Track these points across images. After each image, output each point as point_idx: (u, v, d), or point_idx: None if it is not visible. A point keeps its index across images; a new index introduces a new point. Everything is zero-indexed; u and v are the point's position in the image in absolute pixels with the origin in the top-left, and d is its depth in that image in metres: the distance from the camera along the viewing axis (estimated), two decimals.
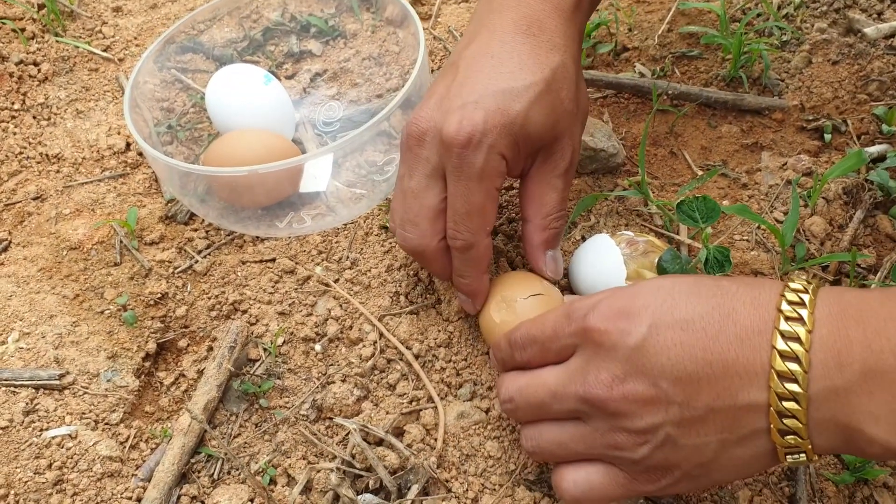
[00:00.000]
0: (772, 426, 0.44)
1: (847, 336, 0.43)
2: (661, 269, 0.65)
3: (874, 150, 0.80)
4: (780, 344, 0.43)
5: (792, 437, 0.44)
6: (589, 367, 0.48)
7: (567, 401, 0.49)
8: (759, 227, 0.74)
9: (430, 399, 0.63)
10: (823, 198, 0.75)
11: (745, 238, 0.74)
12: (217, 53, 0.93)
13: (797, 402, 0.43)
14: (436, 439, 0.60)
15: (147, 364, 0.69)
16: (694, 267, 0.66)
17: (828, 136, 0.82)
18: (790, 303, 0.45)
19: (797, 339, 0.43)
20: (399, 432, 0.61)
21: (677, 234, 0.73)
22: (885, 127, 0.82)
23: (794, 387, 0.43)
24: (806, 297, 0.45)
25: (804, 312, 0.44)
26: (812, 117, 0.84)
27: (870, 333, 0.42)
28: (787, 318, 0.44)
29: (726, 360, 0.44)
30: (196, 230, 0.78)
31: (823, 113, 0.85)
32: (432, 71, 0.93)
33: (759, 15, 0.94)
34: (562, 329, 0.50)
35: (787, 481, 0.59)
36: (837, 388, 0.42)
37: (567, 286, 0.68)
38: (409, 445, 0.60)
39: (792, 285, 0.46)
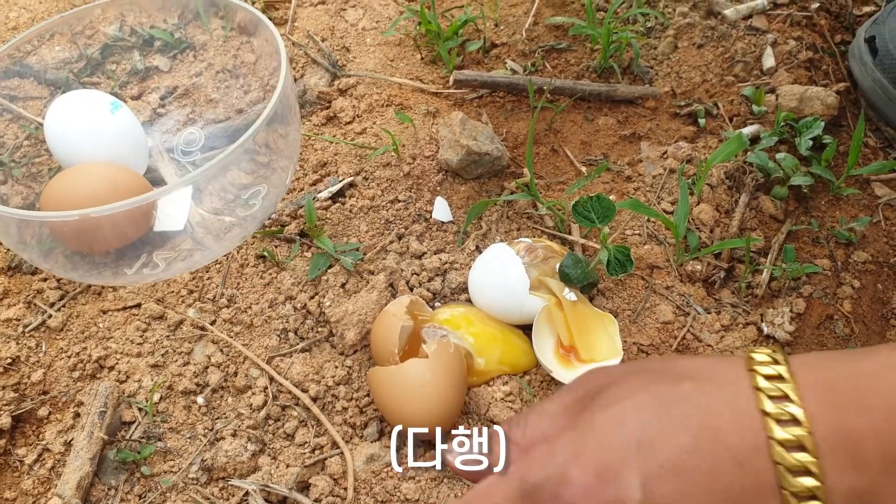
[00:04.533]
0: None
1: (853, 428, 0.37)
2: (564, 275, 0.62)
3: (748, 131, 0.80)
4: (785, 458, 0.37)
5: None
6: None
7: None
8: (648, 220, 0.73)
9: (335, 445, 0.57)
10: (707, 184, 0.75)
11: (637, 232, 0.72)
12: (50, 77, 0.83)
13: None
14: (346, 489, 0.55)
15: (2, 442, 0.60)
16: (594, 269, 0.63)
17: (702, 121, 0.82)
18: (772, 398, 0.38)
19: (801, 448, 0.37)
20: (304, 486, 0.56)
21: (569, 234, 0.71)
22: (755, 107, 0.82)
23: None
24: (786, 388, 0.38)
25: (796, 410, 0.37)
26: (684, 103, 0.84)
27: (878, 421, 0.36)
28: (780, 422, 0.38)
29: (732, 497, 0.38)
30: (46, 279, 0.69)
31: (694, 97, 0.85)
32: (295, 80, 0.87)
33: (623, 2, 0.93)
34: None
35: None
36: (859, 489, 0.37)
37: (468, 301, 0.64)
38: (317, 500, 0.54)
39: (760, 369, 0.40)
